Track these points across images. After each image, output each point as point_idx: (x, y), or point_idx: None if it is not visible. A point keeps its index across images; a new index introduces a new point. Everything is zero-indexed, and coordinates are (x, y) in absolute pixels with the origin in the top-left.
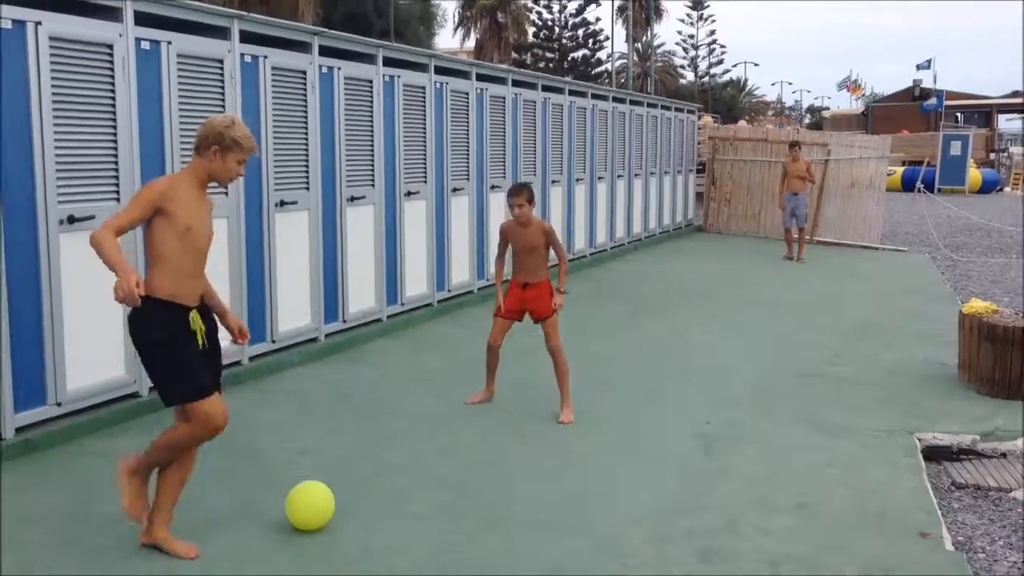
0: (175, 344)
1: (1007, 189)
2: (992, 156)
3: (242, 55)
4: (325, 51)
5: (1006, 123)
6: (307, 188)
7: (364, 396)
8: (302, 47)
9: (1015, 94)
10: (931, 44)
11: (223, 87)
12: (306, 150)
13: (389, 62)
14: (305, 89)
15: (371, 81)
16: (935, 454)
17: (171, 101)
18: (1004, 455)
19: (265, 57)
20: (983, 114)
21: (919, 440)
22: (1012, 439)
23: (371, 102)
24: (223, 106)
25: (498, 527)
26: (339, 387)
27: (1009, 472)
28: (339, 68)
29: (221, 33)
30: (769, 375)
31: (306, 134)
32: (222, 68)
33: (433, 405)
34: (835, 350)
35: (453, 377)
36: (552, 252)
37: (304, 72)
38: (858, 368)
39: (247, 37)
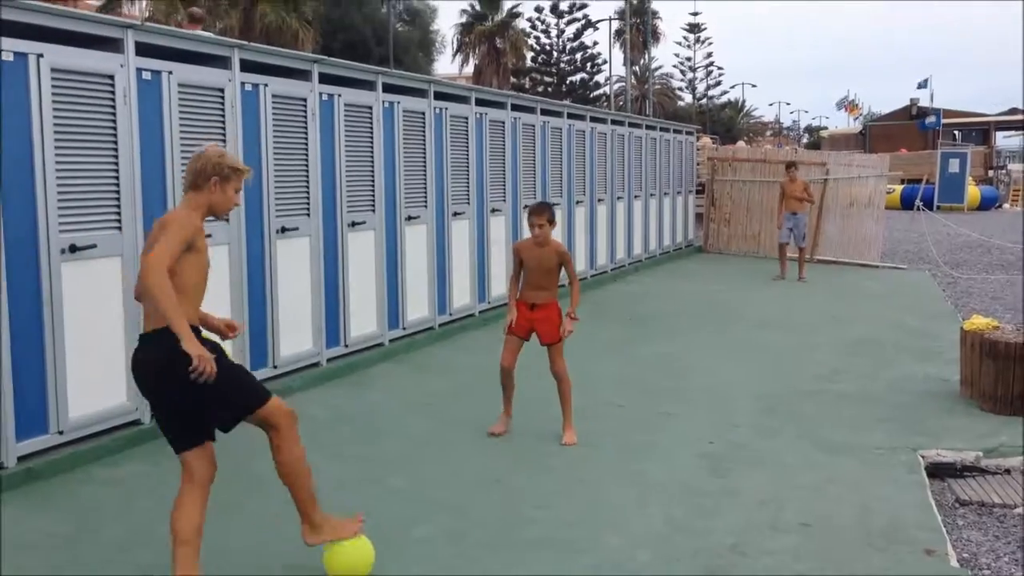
0: (223, 358)
1: (1006, 206)
2: (990, 173)
3: (243, 84)
4: (325, 78)
5: (1004, 140)
6: (308, 215)
7: (366, 420)
8: (302, 75)
9: (1013, 111)
10: (928, 61)
11: (224, 116)
12: (307, 177)
13: (388, 88)
14: (306, 116)
15: (371, 107)
16: (939, 471)
17: (172, 130)
18: (1008, 471)
19: (266, 85)
20: (981, 131)
21: (922, 457)
22: (1015, 455)
23: (371, 128)
24: (224, 134)
25: (502, 549)
26: (341, 411)
27: (1013, 488)
28: (339, 95)
29: (222, 62)
30: (771, 394)
31: (306, 161)
32: (223, 97)
33: (435, 429)
34: (836, 368)
35: (455, 401)
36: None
37: (304, 100)
38: (860, 386)
39: (248, 66)
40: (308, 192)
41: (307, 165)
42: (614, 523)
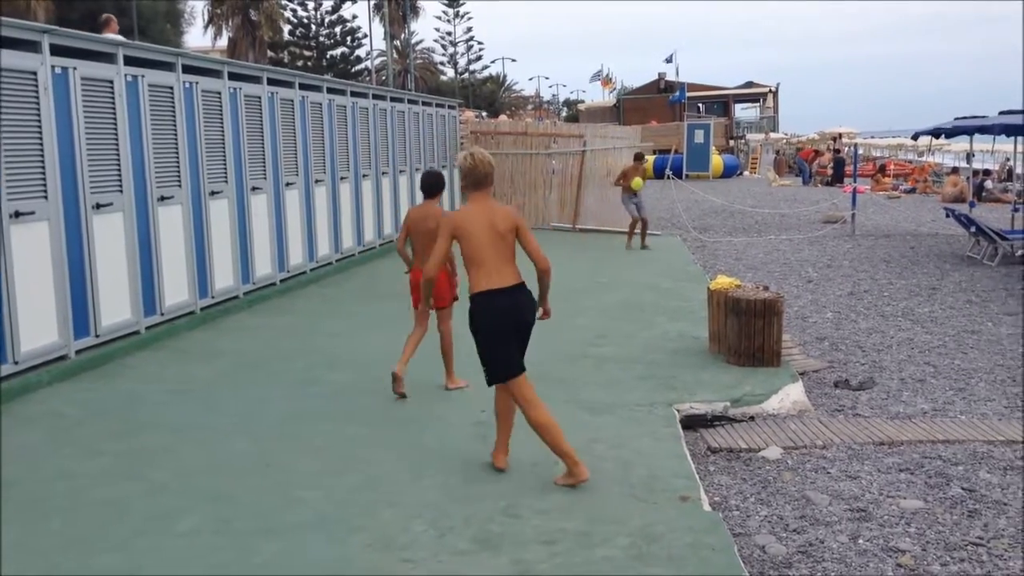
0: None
1: (746, 173)
2: (731, 143)
3: None
4: (58, 50)
5: (742, 112)
6: (45, 197)
7: (123, 413)
8: (31, 46)
9: (749, 84)
10: (673, 38)
11: None
12: (42, 157)
13: (131, 61)
14: (37, 91)
15: (112, 81)
16: (692, 422)
17: None
18: (752, 418)
19: None
20: (722, 104)
21: (677, 411)
22: (758, 403)
23: (113, 103)
24: None
25: (275, 534)
26: (94, 405)
27: (757, 433)
28: (75, 68)
29: None
30: (539, 360)
31: (40, 139)
32: None
33: (199, 417)
34: (599, 332)
35: (221, 386)
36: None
37: (35, 73)
38: (620, 347)
39: None
40: (44, 174)
41: (41, 144)
42: (388, 497)
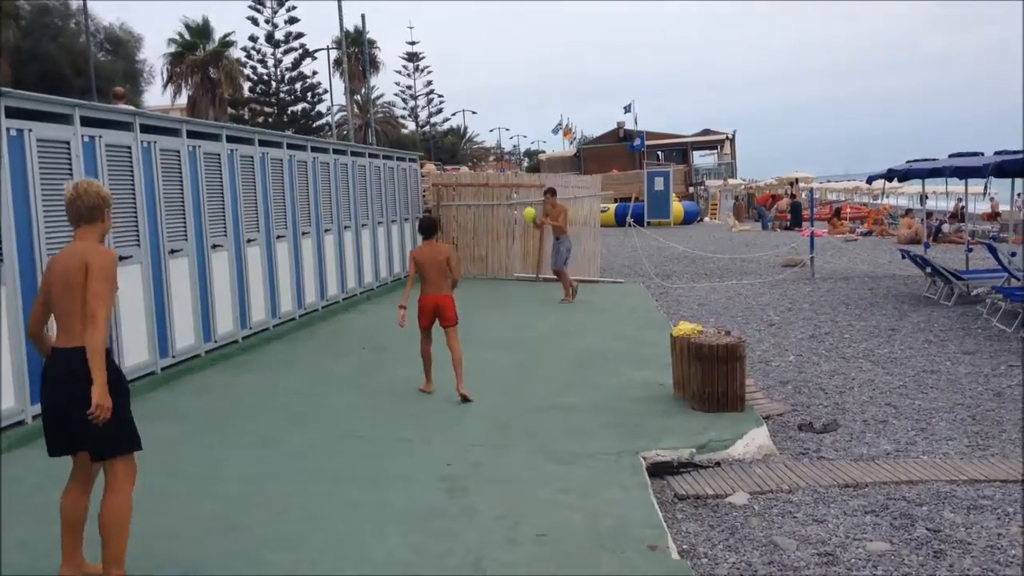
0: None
1: (706, 219)
2: (691, 189)
3: None
4: (13, 112)
5: (700, 159)
6: (1, 260)
7: None
8: None
9: (706, 132)
10: (631, 86)
11: None
12: None
13: (88, 122)
14: None
15: (68, 143)
16: (659, 470)
17: None
18: (718, 464)
19: None
20: (680, 151)
21: (644, 458)
22: (724, 448)
23: (71, 164)
24: None
25: None
26: (53, 471)
27: (723, 479)
28: (30, 130)
29: None
30: (506, 412)
31: None
32: None
33: (162, 479)
34: (565, 381)
35: (183, 447)
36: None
37: None
38: (586, 396)
39: None
40: (0, 237)
41: None
42: (356, 556)
